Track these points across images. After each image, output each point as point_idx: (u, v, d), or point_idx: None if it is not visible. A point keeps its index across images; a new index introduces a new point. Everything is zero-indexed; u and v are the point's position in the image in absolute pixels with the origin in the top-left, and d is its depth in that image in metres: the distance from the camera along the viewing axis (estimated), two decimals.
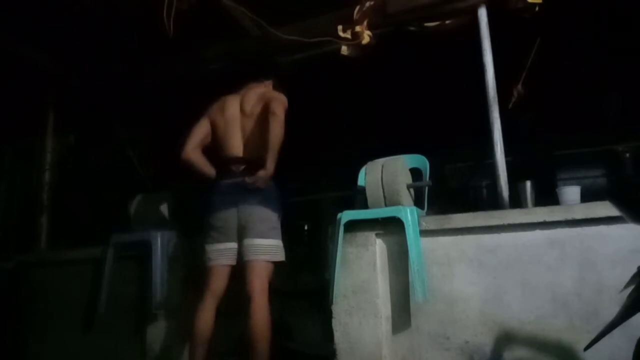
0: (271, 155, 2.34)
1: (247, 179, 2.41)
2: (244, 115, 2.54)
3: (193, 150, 2.57)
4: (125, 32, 3.24)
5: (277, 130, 2.35)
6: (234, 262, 2.47)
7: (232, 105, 2.59)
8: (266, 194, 2.44)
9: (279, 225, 2.48)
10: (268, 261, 2.40)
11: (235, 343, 2.44)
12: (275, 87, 2.71)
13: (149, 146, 4.04)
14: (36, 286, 3.48)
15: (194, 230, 2.71)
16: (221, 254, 2.47)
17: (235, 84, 2.71)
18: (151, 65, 3.64)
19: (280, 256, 2.46)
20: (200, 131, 2.61)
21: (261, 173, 2.35)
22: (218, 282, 2.46)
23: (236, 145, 2.53)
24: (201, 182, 2.59)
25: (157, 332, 2.95)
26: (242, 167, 2.50)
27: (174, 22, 2.67)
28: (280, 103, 2.44)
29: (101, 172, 4.14)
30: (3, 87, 3.72)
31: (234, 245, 2.46)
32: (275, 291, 2.75)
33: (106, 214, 3.69)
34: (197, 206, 2.62)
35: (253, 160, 2.46)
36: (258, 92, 2.59)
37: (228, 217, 2.45)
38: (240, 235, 2.43)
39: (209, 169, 2.57)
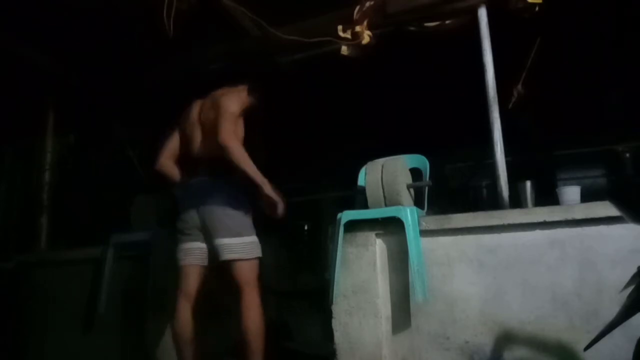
0: (249, 171, 2.31)
1: (266, 210, 2.43)
2: (203, 120, 2.55)
3: (165, 161, 2.63)
4: (125, 32, 3.24)
5: (224, 133, 2.32)
6: (204, 262, 2.47)
7: (194, 109, 2.61)
8: (228, 193, 2.43)
9: (248, 222, 2.45)
10: (244, 259, 2.36)
11: (233, 342, 2.44)
12: (252, 92, 2.64)
13: (149, 146, 4.04)
14: (36, 286, 3.48)
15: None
16: (188, 253, 2.47)
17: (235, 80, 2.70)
18: (151, 65, 3.64)
19: (255, 253, 2.41)
20: (172, 143, 2.67)
21: (264, 193, 2.35)
22: (189, 282, 2.46)
23: (198, 148, 2.55)
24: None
25: (157, 332, 2.95)
26: (204, 167, 2.50)
27: (174, 22, 2.67)
28: (230, 109, 2.41)
29: (101, 172, 4.14)
30: (3, 87, 3.72)
31: (201, 245, 2.47)
32: (275, 291, 2.75)
33: (106, 214, 3.69)
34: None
35: (213, 160, 2.45)
36: (216, 96, 2.56)
37: (189, 218, 2.46)
38: (207, 236, 2.43)
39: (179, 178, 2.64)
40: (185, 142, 2.62)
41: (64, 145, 4.14)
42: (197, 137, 2.56)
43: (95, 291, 3.13)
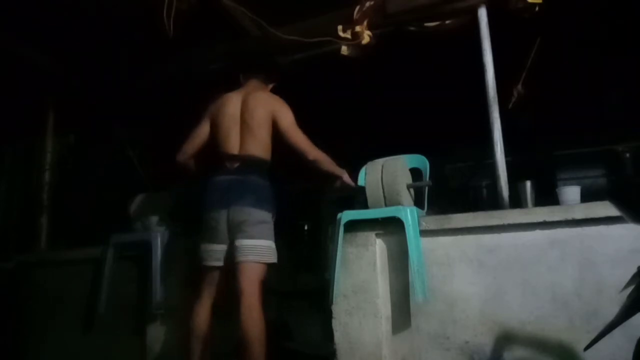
0: (326, 165, 2.49)
1: (332, 191, 2.59)
2: (245, 116, 2.54)
3: (190, 156, 2.64)
4: (125, 32, 3.24)
5: (306, 146, 2.48)
6: (223, 262, 2.47)
7: (234, 103, 2.59)
8: (259, 194, 2.44)
9: (271, 226, 2.47)
10: (257, 262, 2.37)
11: (236, 344, 2.44)
12: (273, 90, 2.76)
13: (149, 146, 4.04)
14: (36, 286, 3.48)
15: (193, 229, 2.72)
16: (212, 255, 2.47)
17: (236, 80, 2.73)
18: (151, 65, 3.64)
19: (271, 258, 2.43)
20: (200, 136, 2.63)
21: (338, 182, 2.52)
22: (212, 282, 2.47)
23: (233, 143, 2.53)
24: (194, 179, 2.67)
25: (157, 332, 2.95)
26: (237, 164, 2.50)
27: (174, 22, 2.67)
28: (289, 120, 2.52)
29: (101, 172, 4.14)
30: (3, 87, 3.72)
31: (224, 247, 2.46)
32: (275, 291, 2.74)
33: (106, 214, 3.69)
34: (196, 206, 2.63)
35: (248, 158, 2.47)
36: (262, 97, 2.60)
37: (219, 217, 2.44)
38: (231, 236, 2.42)
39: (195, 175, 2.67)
40: (217, 137, 2.58)
41: (64, 145, 4.13)
42: (234, 134, 2.53)
43: (95, 291, 3.13)
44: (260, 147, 2.50)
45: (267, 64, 2.94)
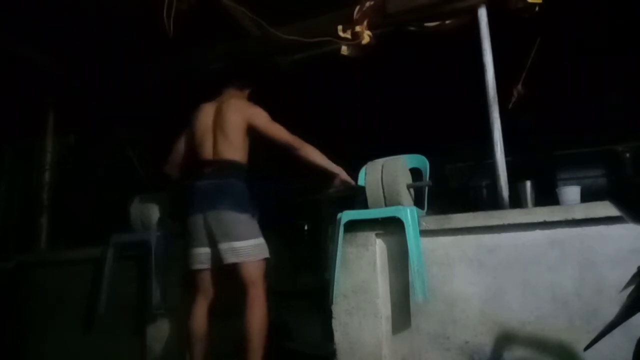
0: (315, 156, 2.51)
1: (332, 191, 2.58)
2: (219, 122, 2.60)
3: (175, 167, 2.77)
4: (125, 32, 3.24)
5: (288, 138, 2.51)
6: (211, 265, 2.51)
7: (208, 112, 2.66)
8: (235, 197, 2.48)
9: (254, 224, 2.51)
10: (252, 261, 2.41)
11: (236, 344, 2.45)
12: (252, 97, 2.80)
13: (149, 146, 4.04)
14: (36, 286, 3.49)
15: None
16: (197, 258, 2.52)
17: (215, 90, 2.78)
18: (151, 65, 3.64)
19: (264, 253, 2.48)
20: (180, 147, 2.75)
21: (337, 181, 2.53)
22: (203, 285, 2.53)
23: (208, 150, 2.59)
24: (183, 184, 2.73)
25: (157, 332, 2.95)
26: (212, 169, 2.55)
27: (174, 22, 2.67)
28: (264, 118, 2.57)
29: (101, 172, 4.14)
30: (3, 87, 3.72)
31: (207, 250, 2.50)
32: (274, 291, 2.74)
33: (106, 214, 3.69)
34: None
35: (223, 163, 2.53)
36: (235, 104, 2.65)
37: (197, 222, 2.49)
38: (213, 239, 2.45)
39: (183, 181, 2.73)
40: (194, 145, 2.66)
41: (64, 145, 4.13)
42: (209, 141, 2.60)
43: (95, 291, 3.13)
44: (234, 151, 2.55)
45: (240, 71, 2.98)
